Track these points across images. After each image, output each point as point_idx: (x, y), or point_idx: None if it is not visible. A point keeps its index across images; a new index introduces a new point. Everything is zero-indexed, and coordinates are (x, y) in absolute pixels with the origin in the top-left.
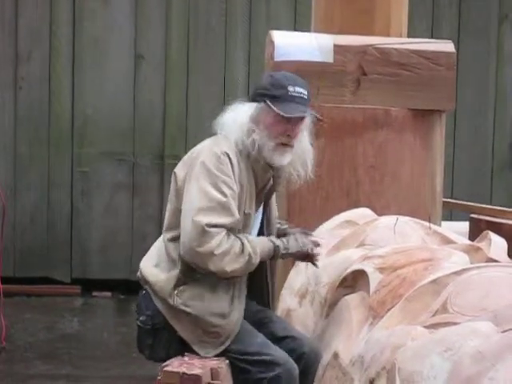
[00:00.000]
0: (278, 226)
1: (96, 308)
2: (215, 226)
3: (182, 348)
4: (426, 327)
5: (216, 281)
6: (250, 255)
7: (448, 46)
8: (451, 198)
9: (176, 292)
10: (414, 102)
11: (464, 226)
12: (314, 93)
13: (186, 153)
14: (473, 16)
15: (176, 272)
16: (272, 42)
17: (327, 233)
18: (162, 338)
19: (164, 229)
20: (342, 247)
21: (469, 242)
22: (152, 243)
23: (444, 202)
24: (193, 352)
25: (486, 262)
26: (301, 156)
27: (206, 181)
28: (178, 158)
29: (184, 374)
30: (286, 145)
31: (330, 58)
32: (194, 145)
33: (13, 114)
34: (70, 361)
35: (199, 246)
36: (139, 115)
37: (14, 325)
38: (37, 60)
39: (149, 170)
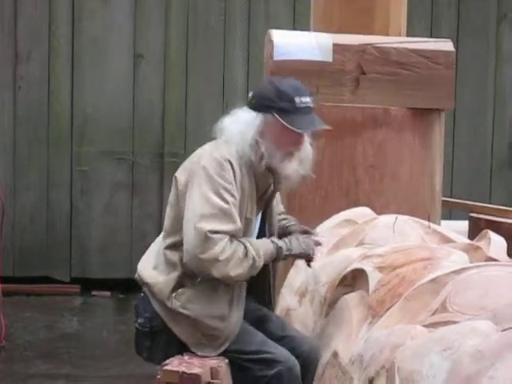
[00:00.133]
0: (285, 222)
1: (95, 307)
2: (217, 232)
3: (181, 350)
4: (425, 326)
5: (215, 283)
6: (253, 259)
7: (447, 45)
8: (450, 197)
9: (174, 295)
10: (413, 101)
11: (463, 225)
12: (313, 92)
13: (185, 151)
14: (472, 15)
15: (175, 275)
16: (271, 41)
17: (327, 232)
18: (161, 340)
19: (163, 233)
20: (342, 246)
21: (468, 241)
22: (152, 242)
23: (443, 201)
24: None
25: (486, 261)
26: (302, 157)
27: (208, 187)
28: (178, 157)
29: (184, 373)
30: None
31: (329, 57)
32: (194, 143)
33: (12, 113)
34: (70, 360)
35: (202, 252)
36: (138, 114)
37: (14, 324)
38: (36, 60)
39: (148, 169)
